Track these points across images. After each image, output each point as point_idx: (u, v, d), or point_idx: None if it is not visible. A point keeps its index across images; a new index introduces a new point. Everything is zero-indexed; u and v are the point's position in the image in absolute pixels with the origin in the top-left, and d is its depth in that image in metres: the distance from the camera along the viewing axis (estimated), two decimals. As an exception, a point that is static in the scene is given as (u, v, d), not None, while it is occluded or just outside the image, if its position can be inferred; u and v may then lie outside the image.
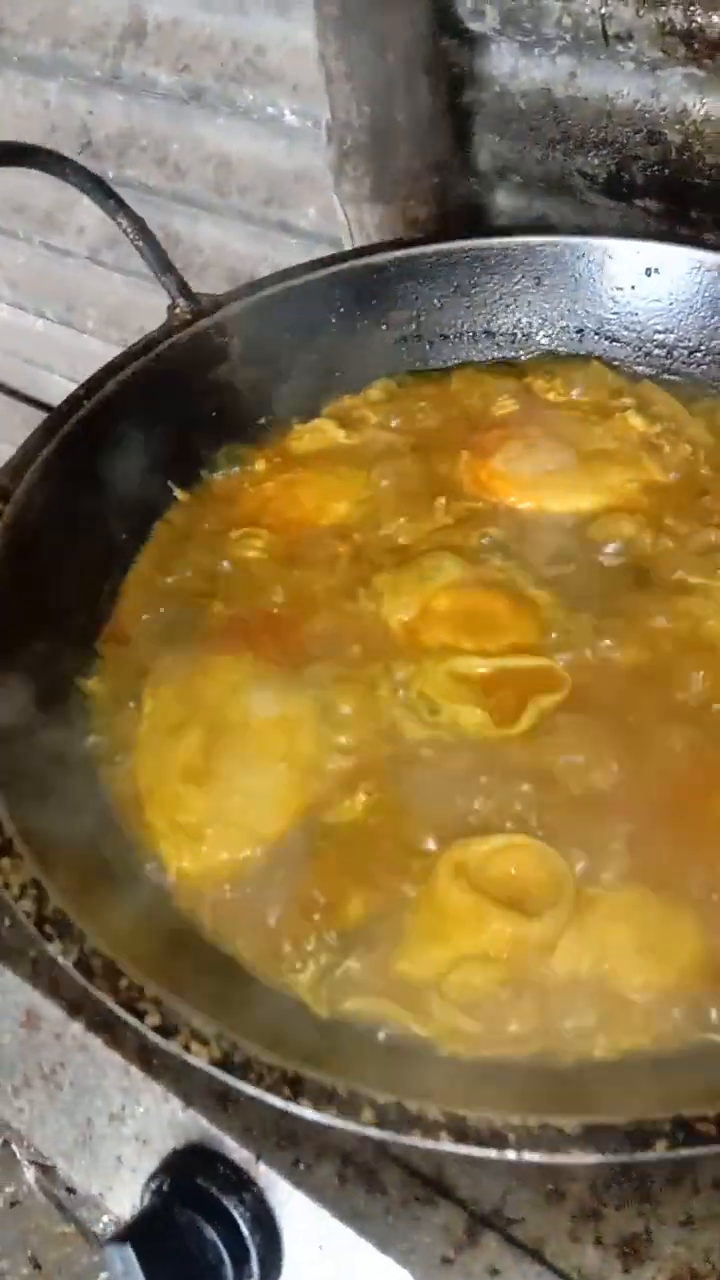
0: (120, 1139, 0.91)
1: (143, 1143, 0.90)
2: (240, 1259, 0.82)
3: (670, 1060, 0.68)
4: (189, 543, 1.03)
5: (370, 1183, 0.80)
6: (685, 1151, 0.54)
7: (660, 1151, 0.54)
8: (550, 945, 0.74)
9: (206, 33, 1.60)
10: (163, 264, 1.03)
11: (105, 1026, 0.81)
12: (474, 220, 1.47)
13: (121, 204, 1.00)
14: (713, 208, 1.30)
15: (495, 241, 1.11)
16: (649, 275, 1.09)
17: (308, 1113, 0.58)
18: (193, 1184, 0.83)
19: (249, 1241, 0.82)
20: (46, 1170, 1.03)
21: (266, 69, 1.57)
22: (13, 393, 2.47)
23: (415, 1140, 0.56)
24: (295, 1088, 0.58)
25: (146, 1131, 0.89)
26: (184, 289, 1.05)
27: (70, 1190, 1.05)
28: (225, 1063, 0.59)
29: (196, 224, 1.89)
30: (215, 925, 0.77)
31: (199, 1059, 0.60)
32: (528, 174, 1.42)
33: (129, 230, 1.00)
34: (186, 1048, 0.60)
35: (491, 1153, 0.55)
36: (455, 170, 1.42)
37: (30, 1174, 1.05)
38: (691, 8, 1.16)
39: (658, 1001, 0.71)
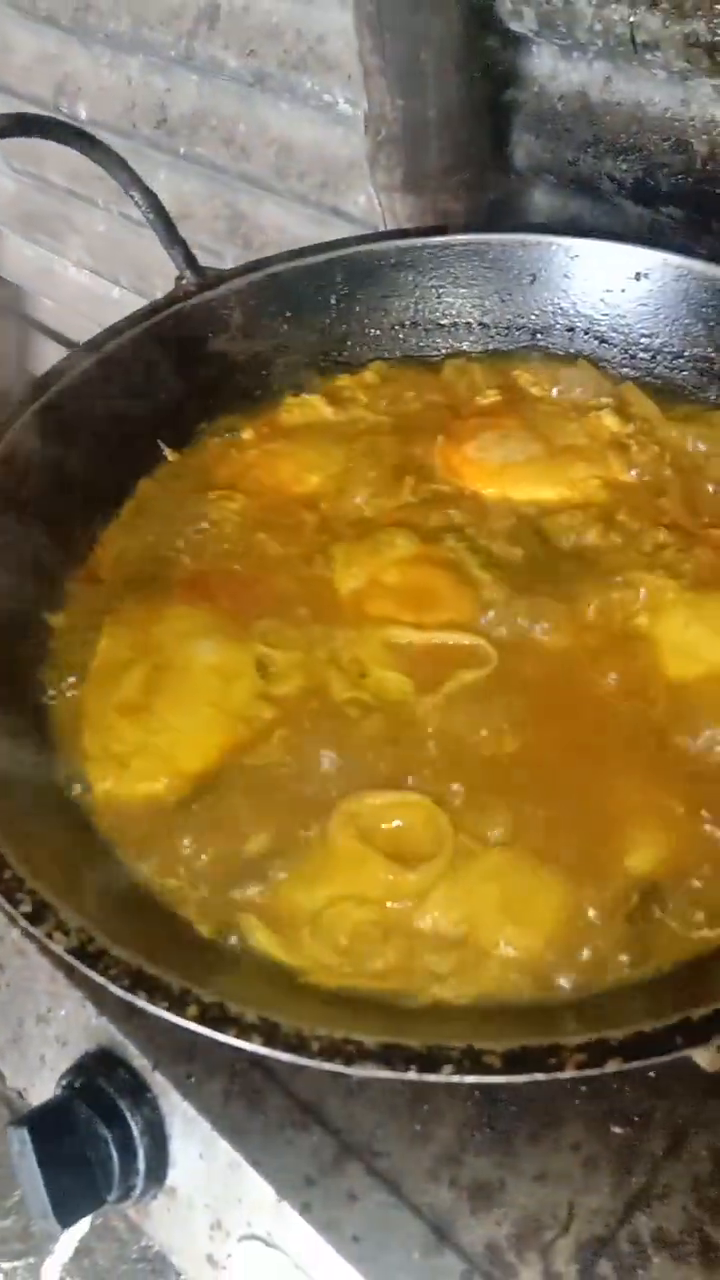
0: (45, 1040, 0.99)
1: (62, 1044, 0.97)
2: (128, 1157, 0.89)
3: (507, 1010, 0.73)
4: (170, 500, 1.10)
5: (253, 1102, 0.86)
6: (470, 1078, 0.59)
7: (445, 1075, 0.59)
8: (423, 895, 0.79)
9: (273, 20, 1.66)
10: (171, 237, 1.10)
11: (37, 934, 0.88)
12: (509, 218, 1.51)
13: (135, 178, 1.07)
14: (734, 219, 1.32)
15: (493, 237, 1.15)
16: (637, 279, 1.12)
17: (140, 1001, 0.64)
18: (95, 1085, 0.91)
19: (138, 1143, 0.89)
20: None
21: (325, 58, 1.63)
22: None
23: (229, 1038, 0.62)
24: (135, 980, 0.65)
25: (66, 1034, 0.97)
26: (191, 261, 1.12)
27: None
28: (79, 951, 0.66)
29: (260, 204, 1.96)
30: (125, 844, 0.84)
31: (58, 946, 0.66)
32: (560, 174, 1.45)
33: (141, 203, 1.07)
34: (49, 935, 0.67)
35: (297, 1058, 0.61)
36: (490, 166, 1.46)
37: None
38: (715, 20, 1.19)
39: (511, 957, 0.76)
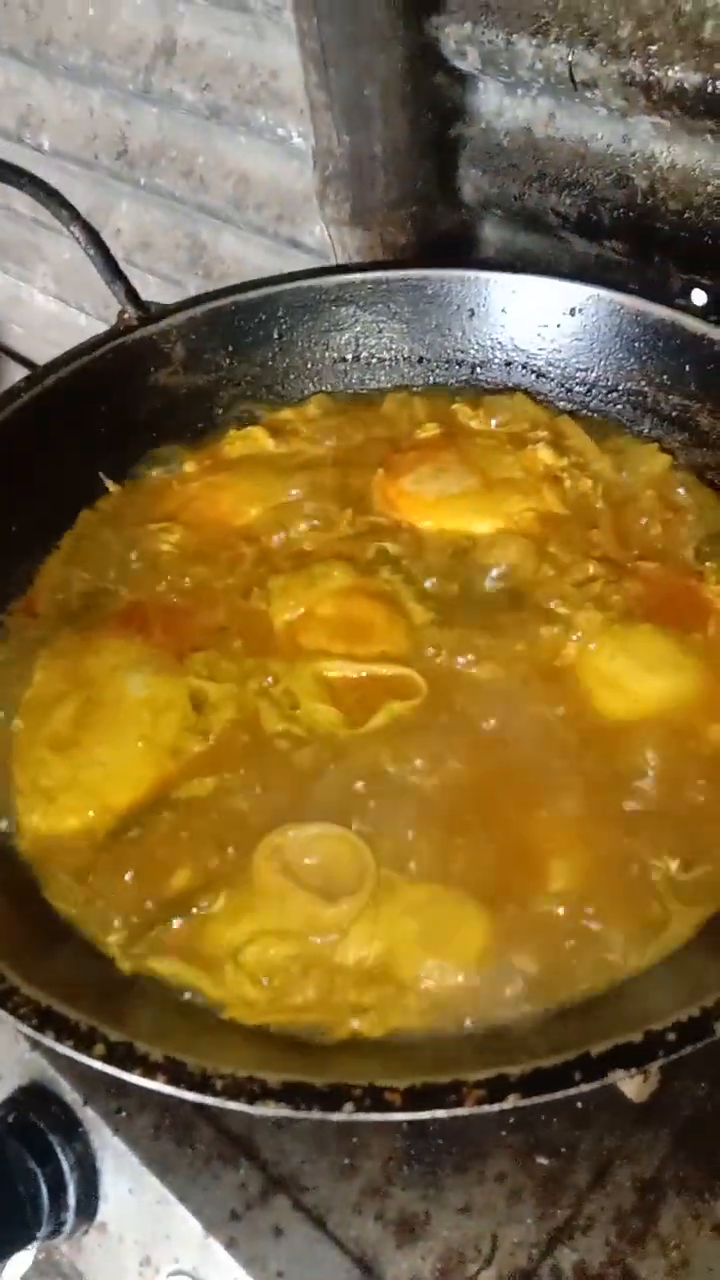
0: (-23, 1075, 0.98)
1: (-4, 1079, 0.97)
2: (59, 1193, 0.89)
3: (422, 1043, 0.73)
4: (110, 531, 1.10)
5: (182, 1137, 0.87)
6: (372, 1116, 0.60)
7: (347, 1114, 0.60)
8: (344, 929, 0.79)
9: (228, 55, 1.68)
10: (113, 272, 1.11)
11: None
12: (458, 250, 1.53)
13: (75, 214, 1.08)
14: (673, 252, 1.34)
15: (432, 273, 1.17)
16: (572, 314, 1.14)
17: (48, 1040, 0.64)
18: (27, 1120, 0.90)
19: (68, 1178, 0.89)
20: None
21: (279, 93, 1.65)
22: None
23: (134, 1077, 0.62)
24: (44, 1019, 0.65)
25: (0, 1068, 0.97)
26: (132, 296, 1.13)
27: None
28: (-12, 992, 0.66)
29: (219, 235, 1.98)
30: (50, 880, 0.84)
31: (-33, 986, 0.67)
32: (507, 208, 1.47)
33: (80, 239, 1.08)
34: (-44, 976, 0.67)
35: (202, 1097, 0.61)
36: (438, 201, 1.48)
37: None
38: (650, 60, 1.21)
39: (429, 991, 0.76)
